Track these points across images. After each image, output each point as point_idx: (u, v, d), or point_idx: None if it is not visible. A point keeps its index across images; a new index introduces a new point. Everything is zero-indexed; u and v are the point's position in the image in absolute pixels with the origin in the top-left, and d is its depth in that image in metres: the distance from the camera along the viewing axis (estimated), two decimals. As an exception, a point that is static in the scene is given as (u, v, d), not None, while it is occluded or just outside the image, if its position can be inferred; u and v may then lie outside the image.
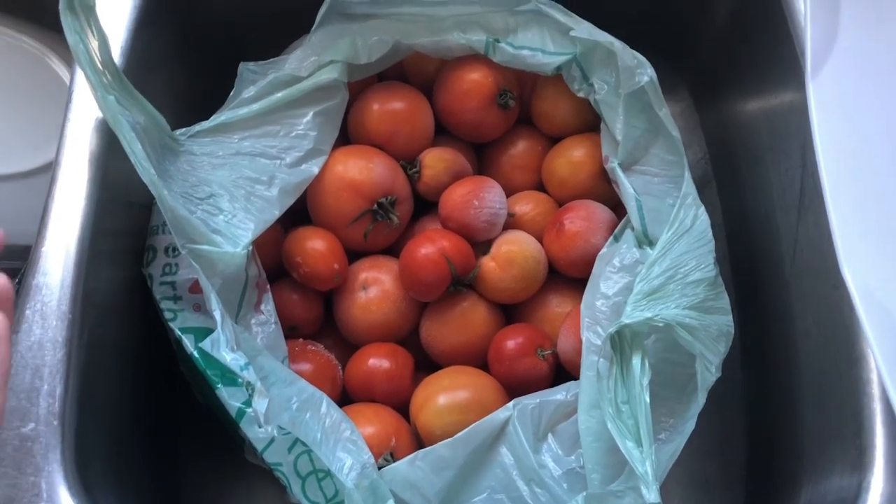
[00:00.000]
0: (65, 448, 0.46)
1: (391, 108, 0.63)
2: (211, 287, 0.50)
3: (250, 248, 0.54)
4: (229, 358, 0.48)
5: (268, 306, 0.56)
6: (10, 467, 0.45)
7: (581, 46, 0.58)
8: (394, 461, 0.53)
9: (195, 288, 0.56)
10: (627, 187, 0.56)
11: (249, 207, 0.56)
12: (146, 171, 0.50)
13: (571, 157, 0.63)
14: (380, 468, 0.52)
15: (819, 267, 0.54)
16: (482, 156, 0.68)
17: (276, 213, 0.56)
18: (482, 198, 0.60)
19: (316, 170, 0.59)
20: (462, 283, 0.59)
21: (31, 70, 0.72)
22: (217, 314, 0.49)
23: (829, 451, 0.50)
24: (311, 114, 0.60)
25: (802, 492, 0.51)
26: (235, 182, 0.56)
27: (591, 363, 0.52)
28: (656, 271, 0.51)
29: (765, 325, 0.62)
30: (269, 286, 0.57)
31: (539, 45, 0.59)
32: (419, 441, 0.56)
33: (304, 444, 0.50)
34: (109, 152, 0.56)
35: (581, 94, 0.60)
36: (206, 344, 0.48)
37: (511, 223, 0.63)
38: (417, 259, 0.58)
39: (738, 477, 0.62)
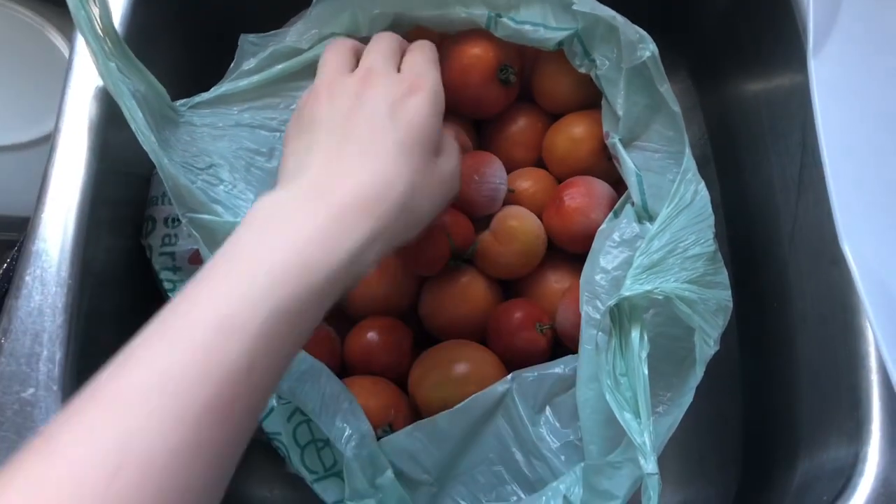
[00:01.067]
0: (64, 413, 0.46)
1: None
2: (211, 256, 0.50)
3: None
4: None
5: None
6: (10, 431, 0.45)
7: (583, 21, 0.58)
8: (392, 433, 0.53)
9: (195, 259, 0.56)
10: (628, 163, 0.56)
11: (250, 178, 0.56)
12: (147, 138, 0.49)
13: (572, 134, 0.63)
14: (378, 439, 0.53)
15: (818, 244, 0.54)
16: (482, 132, 0.68)
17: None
18: (483, 172, 0.60)
19: (317, 140, 0.59)
20: (461, 257, 0.59)
21: (28, 42, 0.72)
22: None
23: (826, 425, 0.51)
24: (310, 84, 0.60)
25: (799, 464, 0.52)
26: (235, 153, 0.56)
27: (590, 337, 0.53)
28: (656, 245, 0.51)
29: (762, 304, 0.62)
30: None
31: (541, 20, 0.59)
32: (417, 414, 0.56)
33: (302, 413, 0.50)
34: (109, 122, 0.56)
35: (582, 70, 0.60)
36: None
37: (511, 199, 0.63)
38: (419, 242, 0.58)
39: (734, 454, 0.62)
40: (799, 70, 0.57)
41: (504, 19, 0.59)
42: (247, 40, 0.61)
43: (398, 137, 0.43)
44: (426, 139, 0.44)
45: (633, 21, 0.56)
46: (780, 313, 0.59)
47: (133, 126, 0.49)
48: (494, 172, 0.60)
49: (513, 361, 0.57)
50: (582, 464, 0.49)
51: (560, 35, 0.58)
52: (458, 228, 0.58)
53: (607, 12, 0.56)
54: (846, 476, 0.45)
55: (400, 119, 0.44)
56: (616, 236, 0.55)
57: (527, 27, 0.59)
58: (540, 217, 0.61)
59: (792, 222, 0.58)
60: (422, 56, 0.50)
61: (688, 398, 0.50)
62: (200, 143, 0.56)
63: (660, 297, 0.48)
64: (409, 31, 0.65)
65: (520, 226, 0.60)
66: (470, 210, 0.60)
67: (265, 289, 0.35)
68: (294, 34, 0.60)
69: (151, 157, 0.49)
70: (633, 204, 0.56)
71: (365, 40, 0.61)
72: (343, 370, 0.59)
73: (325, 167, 0.42)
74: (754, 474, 0.60)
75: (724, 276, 0.52)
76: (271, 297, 0.35)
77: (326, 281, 0.37)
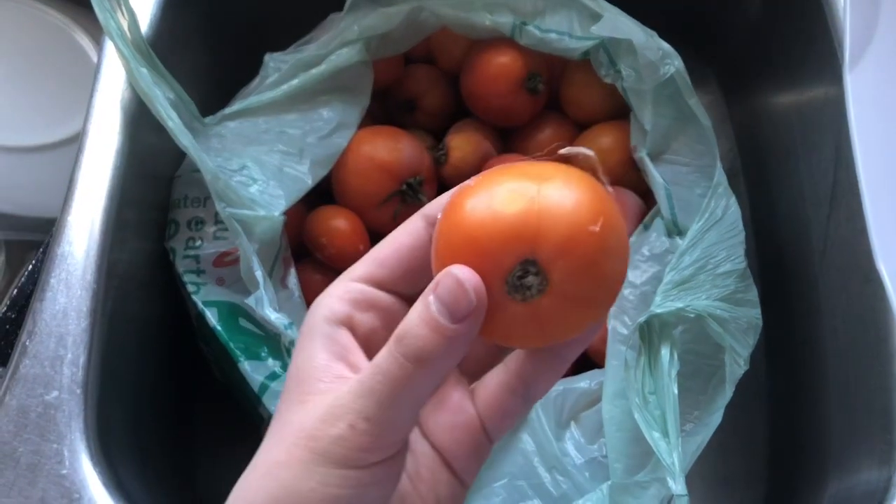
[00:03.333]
0: (87, 416, 0.46)
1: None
2: (252, 249, 0.50)
3: (285, 217, 0.54)
4: (273, 317, 0.48)
5: (292, 281, 0.56)
6: (34, 434, 0.45)
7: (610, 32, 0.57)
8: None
9: (219, 262, 0.56)
10: (656, 177, 0.56)
11: (282, 178, 0.56)
12: (184, 135, 0.49)
13: (600, 144, 0.62)
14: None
15: (850, 262, 0.53)
16: (508, 141, 0.67)
17: (310, 183, 0.56)
18: None
19: (344, 143, 0.59)
20: None
21: (55, 43, 0.72)
22: (258, 274, 0.49)
23: (856, 447, 0.49)
24: (336, 93, 0.60)
25: (828, 487, 0.51)
26: (267, 154, 0.56)
27: (617, 352, 0.52)
28: (687, 261, 0.50)
29: (791, 321, 0.61)
30: (293, 262, 0.57)
31: (566, 29, 0.58)
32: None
33: None
34: (136, 126, 0.56)
35: (608, 80, 0.59)
36: (250, 301, 0.48)
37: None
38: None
39: (760, 473, 0.61)
40: (832, 83, 0.56)
41: (529, 27, 0.59)
42: (272, 58, 0.61)
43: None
44: (293, 383, 0.29)
45: (663, 32, 0.56)
46: (810, 332, 0.58)
47: (170, 125, 0.49)
48: None
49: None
50: (609, 482, 0.48)
51: (586, 45, 0.58)
52: None
53: (627, 31, 0.55)
54: (877, 500, 0.44)
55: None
56: (645, 250, 0.54)
57: (552, 36, 0.59)
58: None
59: (823, 238, 0.57)
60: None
61: (716, 417, 0.49)
62: (231, 148, 0.57)
63: (691, 315, 0.47)
64: (435, 39, 0.65)
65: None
66: None
67: None
68: (317, 45, 0.60)
69: (190, 152, 0.49)
70: (662, 217, 0.55)
71: (389, 44, 0.60)
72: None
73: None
74: (780, 496, 0.59)
75: (754, 294, 0.51)
76: None
77: None
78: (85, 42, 0.71)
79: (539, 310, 0.26)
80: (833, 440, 0.53)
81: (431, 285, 0.26)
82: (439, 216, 0.28)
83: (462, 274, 0.25)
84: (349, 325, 0.29)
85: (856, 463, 0.49)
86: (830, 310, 0.56)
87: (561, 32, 0.59)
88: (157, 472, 0.53)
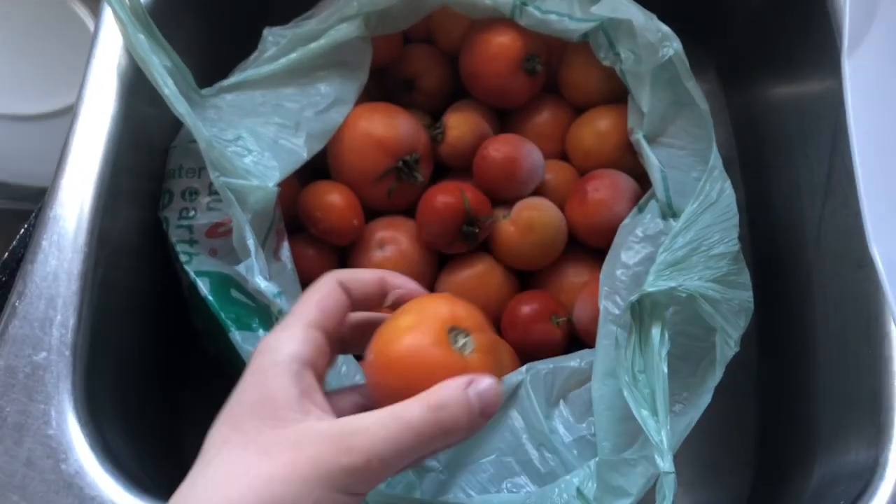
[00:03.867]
0: (75, 378, 0.46)
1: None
2: (245, 218, 0.50)
3: (278, 189, 0.54)
4: (263, 285, 0.48)
5: (285, 253, 0.56)
6: (21, 394, 0.45)
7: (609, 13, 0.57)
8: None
9: (212, 232, 0.55)
10: (652, 159, 0.56)
11: (277, 150, 0.55)
12: (180, 103, 0.49)
13: (597, 128, 0.62)
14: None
15: (844, 247, 0.53)
16: (505, 123, 0.67)
17: (304, 156, 0.56)
18: (529, 148, 0.60)
19: (340, 118, 0.59)
20: (475, 226, 0.58)
21: (53, 13, 0.72)
22: (250, 243, 0.49)
23: (846, 429, 0.50)
24: (334, 68, 0.60)
25: (815, 468, 0.51)
26: (263, 126, 0.56)
27: (608, 332, 0.52)
28: (680, 242, 0.50)
29: (782, 310, 0.61)
30: (286, 235, 0.57)
31: (566, 11, 0.58)
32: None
33: None
34: (132, 95, 0.56)
35: (606, 63, 0.59)
36: (240, 268, 0.48)
37: (533, 191, 0.62)
38: (434, 194, 0.59)
39: (748, 459, 0.61)
40: (830, 72, 0.56)
41: (529, 8, 0.59)
42: (271, 32, 0.61)
43: (219, 422, 0.34)
44: (247, 411, 0.33)
45: (661, 20, 0.55)
46: (801, 316, 0.58)
47: (166, 93, 0.49)
48: (536, 154, 0.60)
49: (527, 353, 0.57)
50: (596, 459, 0.48)
51: (585, 27, 0.58)
52: (475, 196, 0.58)
53: (627, 13, 0.55)
54: (865, 480, 0.44)
55: (227, 405, 0.35)
56: (639, 231, 0.54)
57: (552, 17, 0.59)
58: (562, 209, 0.61)
59: (818, 226, 0.57)
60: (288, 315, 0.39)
61: (706, 399, 0.49)
62: (227, 119, 0.56)
63: (683, 295, 0.47)
64: (435, 19, 0.65)
65: (540, 217, 0.59)
66: (508, 180, 0.60)
67: None
68: (315, 21, 0.60)
69: (187, 120, 0.49)
70: (657, 200, 0.55)
71: (388, 21, 0.60)
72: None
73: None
74: (768, 477, 0.59)
75: (746, 277, 0.51)
76: None
77: None
78: (82, 11, 0.71)
79: None
80: (822, 422, 0.53)
81: (470, 381, 0.33)
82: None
83: (499, 388, 0.33)
84: (313, 367, 0.35)
85: (845, 445, 0.49)
86: (822, 296, 0.56)
87: (561, 14, 0.59)
88: (143, 435, 0.53)
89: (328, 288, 0.38)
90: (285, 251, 0.56)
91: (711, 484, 0.61)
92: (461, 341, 0.36)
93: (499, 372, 0.38)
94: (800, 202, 0.61)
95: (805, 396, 0.56)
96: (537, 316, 0.57)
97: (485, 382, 0.33)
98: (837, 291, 0.54)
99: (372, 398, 0.37)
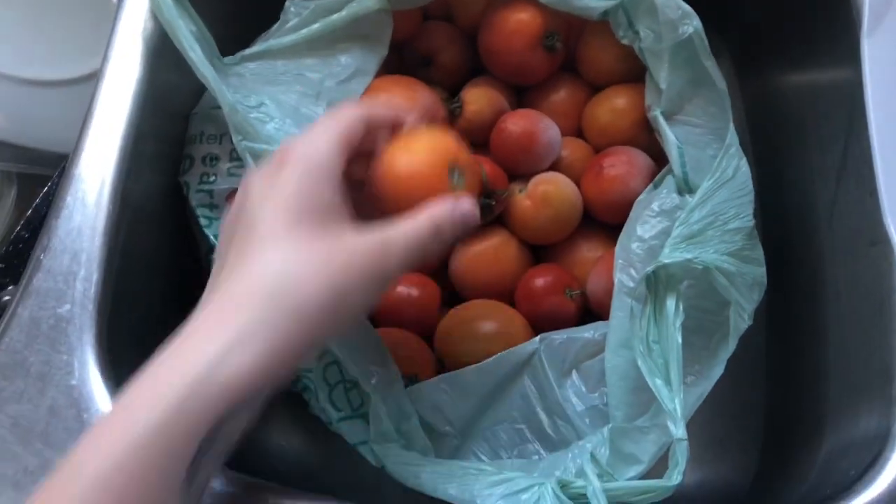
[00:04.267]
0: (98, 331, 0.46)
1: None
2: None
3: None
4: None
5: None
6: (45, 345, 0.45)
7: None
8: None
9: (232, 198, 0.56)
10: (669, 135, 0.56)
11: (298, 118, 0.56)
12: (206, 66, 0.50)
13: (614, 105, 0.63)
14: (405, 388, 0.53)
15: (857, 226, 0.54)
16: (522, 100, 0.68)
17: None
18: (546, 123, 0.61)
19: (360, 89, 0.59)
20: (492, 199, 0.59)
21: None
22: None
23: (855, 402, 0.50)
24: (355, 40, 0.60)
25: (824, 440, 0.51)
26: (285, 93, 0.56)
27: (623, 304, 0.52)
28: (696, 216, 0.51)
29: (794, 288, 0.62)
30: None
31: None
32: (442, 369, 0.56)
33: (333, 354, 0.50)
34: (156, 61, 0.57)
35: (625, 41, 0.59)
36: None
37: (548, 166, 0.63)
38: None
39: (756, 435, 0.62)
40: (846, 55, 0.57)
41: None
42: (293, 3, 0.61)
43: (267, 216, 0.37)
44: (304, 210, 0.37)
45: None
46: (812, 294, 0.58)
47: (191, 56, 0.50)
48: (554, 129, 0.61)
49: (540, 325, 0.57)
50: (609, 425, 0.49)
51: (605, 5, 0.58)
52: (493, 169, 0.59)
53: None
54: (875, 451, 0.45)
55: (268, 199, 0.37)
56: (655, 206, 0.55)
57: None
58: (577, 186, 0.61)
59: (831, 206, 0.58)
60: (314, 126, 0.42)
61: (718, 371, 0.50)
62: (250, 87, 0.57)
63: (699, 267, 0.48)
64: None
65: (555, 191, 0.60)
66: (520, 161, 0.60)
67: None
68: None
69: (211, 84, 0.50)
70: (673, 175, 0.56)
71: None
72: (372, 322, 0.59)
73: (211, 282, 0.39)
74: (777, 452, 0.59)
75: (759, 253, 0.52)
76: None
77: (179, 399, 0.32)
78: (107, -19, 0.71)
79: None
80: (830, 396, 0.53)
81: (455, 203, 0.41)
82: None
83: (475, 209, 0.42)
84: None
85: (854, 417, 0.49)
86: (834, 274, 0.56)
87: None
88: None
89: (353, 117, 0.41)
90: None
91: (720, 459, 0.61)
92: (456, 178, 0.43)
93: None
94: (812, 185, 0.61)
95: (815, 372, 0.56)
96: (551, 288, 0.57)
97: (465, 205, 0.41)
98: (850, 269, 0.55)
99: (372, 197, 0.43)
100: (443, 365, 0.56)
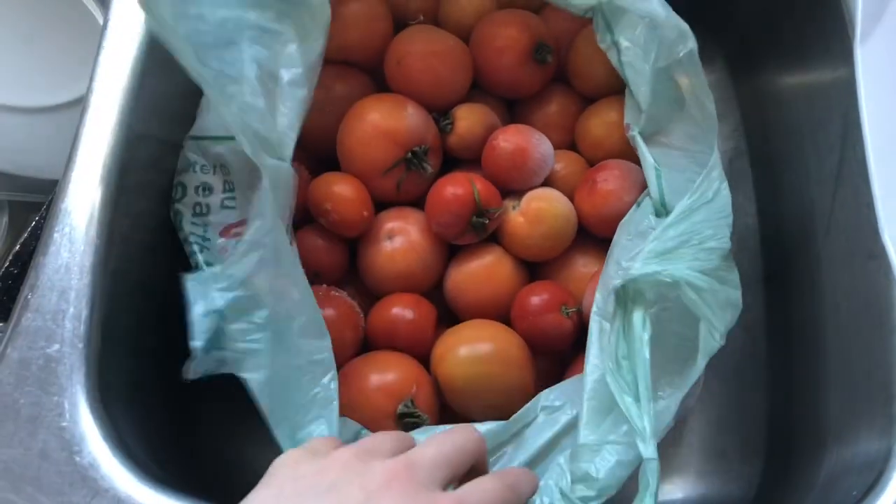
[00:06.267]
0: (88, 370, 0.46)
1: (435, 50, 0.62)
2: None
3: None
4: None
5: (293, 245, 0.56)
6: (35, 386, 0.45)
7: None
8: (414, 408, 0.53)
9: (225, 232, 0.55)
10: (647, 157, 0.54)
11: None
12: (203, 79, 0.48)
13: (607, 118, 0.62)
14: (399, 414, 0.52)
15: (855, 238, 0.53)
16: (514, 113, 0.67)
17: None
18: (538, 139, 0.60)
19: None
20: (485, 217, 0.58)
21: (62, 5, 0.72)
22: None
23: (856, 420, 0.50)
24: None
25: (826, 458, 0.51)
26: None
27: (596, 322, 0.51)
28: (671, 234, 0.49)
29: (792, 299, 0.61)
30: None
31: None
32: (439, 391, 0.56)
33: None
34: (141, 87, 0.56)
35: (603, 47, 0.57)
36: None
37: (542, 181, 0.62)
38: (444, 185, 0.59)
39: (756, 447, 0.62)
40: (841, 59, 0.56)
41: None
42: None
43: None
44: None
45: (671, 7, 0.55)
46: (811, 306, 0.58)
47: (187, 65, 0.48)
48: (546, 144, 0.60)
49: (537, 343, 0.57)
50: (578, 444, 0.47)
51: (586, 3, 0.56)
52: (485, 187, 0.58)
53: (646, 9, 0.52)
54: (878, 470, 0.44)
55: None
56: (632, 228, 0.53)
57: None
58: (571, 199, 0.60)
59: (828, 216, 0.57)
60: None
61: (685, 388, 0.48)
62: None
63: (667, 281, 0.46)
64: (443, 8, 0.64)
65: (549, 207, 0.59)
66: (512, 178, 0.60)
67: None
68: None
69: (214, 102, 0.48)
70: (650, 197, 0.54)
71: None
72: (366, 345, 0.59)
73: None
74: (778, 466, 0.59)
75: (735, 276, 0.49)
76: None
77: None
78: (91, 5, 0.71)
79: None
80: (832, 413, 0.53)
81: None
82: None
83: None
84: None
85: (855, 435, 0.49)
86: (832, 286, 0.56)
87: None
88: (156, 427, 0.53)
89: None
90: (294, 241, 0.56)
91: (721, 473, 0.61)
92: None
93: None
94: (809, 192, 0.61)
95: (815, 386, 0.56)
96: (547, 307, 0.57)
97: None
98: (848, 281, 0.54)
99: None
100: (440, 387, 0.56)
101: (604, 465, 0.45)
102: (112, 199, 0.51)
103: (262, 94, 0.53)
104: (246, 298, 0.47)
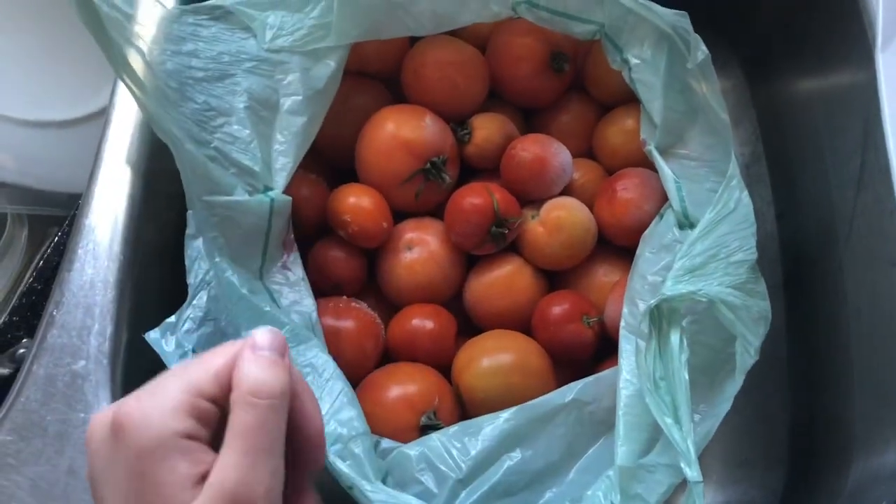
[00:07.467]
0: (114, 386, 0.46)
1: (452, 59, 0.62)
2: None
3: (275, 200, 0.53)
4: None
5: (296, 264, 0.56)
6: (61, 403, 0.45)
7: (608, 16, 0.54)
8: (436, 420, 0.53)
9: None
10: (666, 171, 0.54)
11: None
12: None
13: (624, 126, 0.62)
14: (422, 426, 0.52)
15: (876, 244, 0.53)
16: (531, 122, 0.67)
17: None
18: (557, 148, 0.60)
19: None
20: (504, 227, 0.58)
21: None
22: None
23: (882, 430, 0.49)
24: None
25: (852, 467, 0.50)
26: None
27: (629, 339, 0.51)
28: (698, 249, 0.49)
29: (813, 305, 0.61)
30: (296, 246, 0.57)
31: (562, 9, 0.55)
32: (461, 402, 0.56)
33: None
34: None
35: (615, 67, 0.56)
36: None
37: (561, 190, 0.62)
38: (463, 195, 0.59)
39: (781, 456, 0.61)
40: (859, 65, 0.56)
41: (523, 6, 0.55)
42: None
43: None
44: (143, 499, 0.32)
45: (686, 12, 0.54)
46: (833, 312, 0.58)
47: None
48: (565, 154, 0.60)
49: (558, 354, 0.57)
50: (616, 466, 0.47)
51: (585, 28, 0.56)
52: (504, 197, 0.58)
53: (659, 19, 0.52)
54: (905, 482, 0.44)
55: (108, 483, 0.34)
56: (656, 241, 0.53)
57: (556, 18, 0.56)
58: (591, 208, 0.60)
59: (849, 221, 0.57)
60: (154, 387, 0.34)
61: (724, 407, 0.48)
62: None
63: (703, 300, 0.46)
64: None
65: (568, 216, 0.59)
66: (531, 187, 0.60)
67: None
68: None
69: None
70: (672, 210, 0.54)
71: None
72: (386, 356, 0.59)
73: None
74: (802, 475, 0.59)
75: (763, 287, 0.50)
76: None
77: None
78: (110, 17, 0.71)
79: None
80: (857, 423, 0.53)
81: (247, 343, 0.33)
82: None
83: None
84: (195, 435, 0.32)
85: (882, 445, 0.49)
86: (855, 293, 0.56)
87: (557, 12, 0.56)
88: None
89: (200, 376, 0.33)
90: (296, 262, 0.56)
91: (743, 481, 0.61)
92: None
93: None
94: (829, 198, 0.60)
95: (838, 393, 0.56)
96: (568, 316, 0.57)
97: (264, 335, 0.34)
98: (871, 288, 0.54)
99: None
100: (461, 398, 0.56)
101: (655, 487, 0.46)
102: (136, 212, 0.52)
103: (251, 125, 0.53)
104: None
